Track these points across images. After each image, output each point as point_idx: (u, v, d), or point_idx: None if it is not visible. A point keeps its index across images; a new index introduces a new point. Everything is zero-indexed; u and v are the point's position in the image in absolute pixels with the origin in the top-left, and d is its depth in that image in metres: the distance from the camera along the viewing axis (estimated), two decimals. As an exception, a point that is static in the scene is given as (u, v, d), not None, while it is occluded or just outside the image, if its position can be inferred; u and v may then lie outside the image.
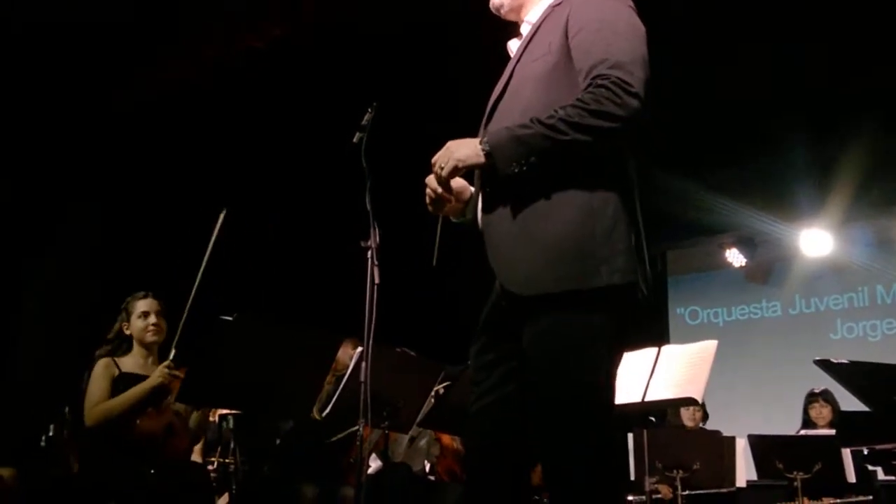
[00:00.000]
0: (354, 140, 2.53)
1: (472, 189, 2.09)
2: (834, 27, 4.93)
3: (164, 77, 5.63)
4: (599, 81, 1.84)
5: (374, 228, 2.58)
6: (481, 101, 2.23)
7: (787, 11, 4.84)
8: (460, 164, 1.90)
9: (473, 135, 2.14)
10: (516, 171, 1.85)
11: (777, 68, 5.33)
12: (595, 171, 1.89)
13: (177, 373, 3.29)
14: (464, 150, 1.90)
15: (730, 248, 7.23)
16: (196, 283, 3.28)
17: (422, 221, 2.29)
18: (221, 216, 3.38)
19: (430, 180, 2.00)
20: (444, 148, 1.93)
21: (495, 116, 2.04)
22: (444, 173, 1.91)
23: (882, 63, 5.16)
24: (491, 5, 2.19)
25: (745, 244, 7.17)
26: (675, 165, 5.59)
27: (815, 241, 6.86)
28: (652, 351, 3.53)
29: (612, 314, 1.86)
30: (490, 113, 2.06)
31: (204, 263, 3.31)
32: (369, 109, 2.56)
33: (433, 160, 1.95)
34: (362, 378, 2.56)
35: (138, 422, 3.33)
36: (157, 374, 3.31)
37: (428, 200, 2.06)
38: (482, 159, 1.88)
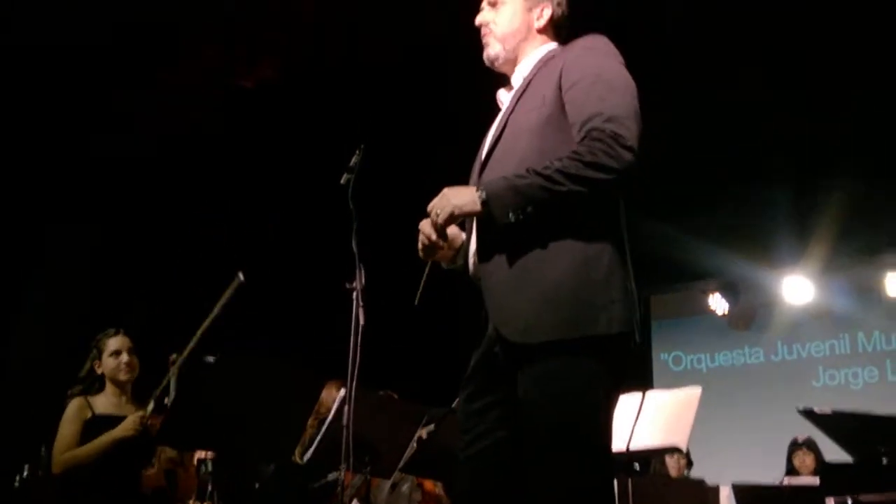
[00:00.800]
0: (342, 181, 2.54)
1: (464, 236, 2.10)
2: (815, 76, 5.04)
3: (157, 115, 5.65)
4: (595, 134, 1.88)
5: (360, 270, 2.57)
6: (468, 144, 2.26)
7: (768, 61, 4.94)
8: (457, 212, 1.91)
9: (463, 178, 2.17)
10: (513, 220, 1.87)
11: (759, 117, 5.42)
12: (590, 220, 1.93)
13: (149, 423, 3.25)
14: (461, 197, 1.92)
15: (713, 293, 7.27)
16: (195, 340, 3.23)
17: (408, 263, 2.29)
18: (236, 281, 3.29)
19: (425, 226, 2.01)
20: (441, 195, 1.95)
21: (489, 166, 2.06)
22: (440, 220, 1.92)
23: (862, 112, 5.26)
24: (485, 58, 2.22)
25: (729, 290, 7.21)
26: (660, 211, 5.63)
27: (797, 287, 6.91)
28: (636, 396, 3.52)
29: (610, 362, 1.88)
30: (484, 162, 2.08)
31: (207, 323, 3.25)
32: (357, 151, 2.57)
33: (429, 207, 1.95)
34: (345, 421, 2.53)
35: (144, 475, 3.29)
36: (129, 426, 3.26)
37: (420, 246, 2.06)
38: (479, 207, 1.90)
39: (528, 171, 1.89)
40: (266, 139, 5.79)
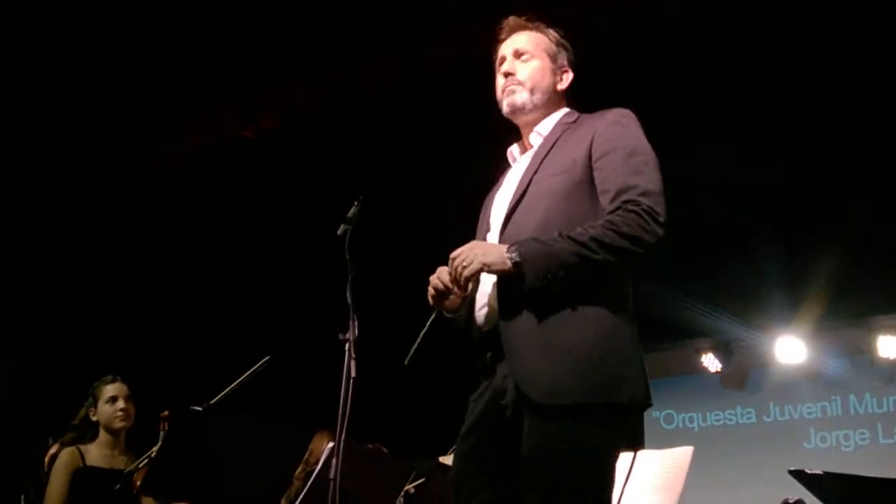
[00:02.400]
0: (339, 232, 2.55)
1: (472, 286, 2.10)
2: (808, 138, 5.12)
3: (147, 160, 5.69)
4: (631, 207, 1.91)
5: (354, 321, 2.57)
6: (467, 198, 2.28)
7: (761, 124, 5.03)
8: (486, 269, 1.93)
9: (464, 231, 2.18)
10: (543, 282, 1.88)
11: (751, 180, 5.48)
12: (613, 289, 1.97)
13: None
14: (491, 255, 1.92)
15: (706, 353, 7.26)
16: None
17: (402, 316, 2.29)
18: (262, 362, 3.28)
19: (442, 274, 2.01)
20: (469, 247, 1.96)
21: (511, 225, 2.06)
22: (467, 272, 1.92)
23: (853, 175, 5.33)
24: (510, 104, 2.19)
25: (722, 350, 7.21)
26: (654, 270, 5.66)
27: (790, 348, 6.92)
28: (627, 456, 3.49)
29: (625, 430, 1.92)
30: (505, 220, 2.08)
31: (223, 394, 3.24)
32: (355, 203, 2.59)
33: (453, 255, 1.96)
34: (332, 475, 2.50)
35: None
36: None
37: (432, 292, 2.06)
38: (509, 266, 1.90)
39: (560, 235, 1.90)
40: (262, 189, 5.82)
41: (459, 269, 1.93)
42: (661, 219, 1.91)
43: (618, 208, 1.93)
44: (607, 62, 4.31)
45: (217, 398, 3.21)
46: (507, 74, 2.20)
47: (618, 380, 1.89)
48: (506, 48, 2.25)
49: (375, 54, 4.85)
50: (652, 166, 2.00)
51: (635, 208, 1.91)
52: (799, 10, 4.33)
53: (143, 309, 5.97)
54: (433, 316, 2.14)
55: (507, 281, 1.95)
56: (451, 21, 4.38)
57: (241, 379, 3.24)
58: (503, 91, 2.21)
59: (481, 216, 2.27)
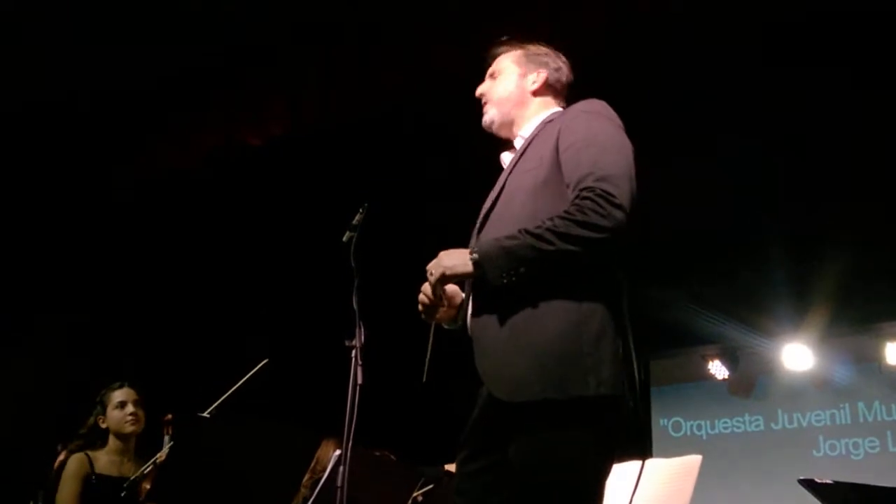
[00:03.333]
0: (344, 239, 2.56)
1: (463, 295, 2.11)
2: (816, 144, 5.11)
3: (156, 165, 5.70)
4: (585, 193, 1.90)
5: (360, 328, 2.57)
6: (473, 203, 2.28)
7: (770, 130, 5.02)
8: (448, 273, 1.94)
9: (466, 236, 2.19)
10: (505, 280, 1.88)
11: (758, 185, 5.47)
12: (582, 280, 1.92)
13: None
14: (453, 259, 1.95)
15: (713, 360, 7.23)
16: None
17: (409, 322, 2.29)
18: (261, 364, 3.32)
19: (426, 289, 2.05)
20: (437, 257, 1.98)
21: (486, 225, 2.10)
22: (432, 280, 1.96)
23: (861, 180, 5.32)
24: (483, 124, 2.31)
25: (728, 357, 7.18)
26: (661, 277, 5.65)
27: (797, 355, 6.88)
28: (636, 464, 3.47)
29: (600, 426, 1.86)
30: (482, 223, 2.12)
31: (222, 399, 3.24)
32: (360, 210, 2.59)
33: (427, 268, 1.99)
34: (339, 483, 2.50)
35: None
36: None
37: (420, 308, 2.10)
38: (471, 268, 1.92)
39: (519, 231, 1.91)
40: (268, 196, 5.83)
41: (429, 276, 1.97)
42: (618, 201, 1.87)
43: (575, 198, 1.92)
44: (618, 66, 4.32)
45: (216, 403, 3.20)
46: (479, 98, 2.32)
47: (580, 373, 1.84)
48: (487, 74, 2.35)
49: (385, 61, 4.85)
50: (612, 150, 1.98)
51: (589, 194, 1.89)
52: (807, 11, 4.32)
53: (150, 314, 5.98)
54: (432, 329, 2.15)
55: (478, 284, 1.97)
56: (462, 28, 4.38)
57: (239, 382, 3.24)
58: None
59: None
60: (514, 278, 1.87)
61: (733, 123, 4.97)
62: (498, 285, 1.88)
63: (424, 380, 2.14)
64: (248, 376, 3.25)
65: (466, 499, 1.97)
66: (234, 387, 3.23)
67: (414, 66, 4.77)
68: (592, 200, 1.87)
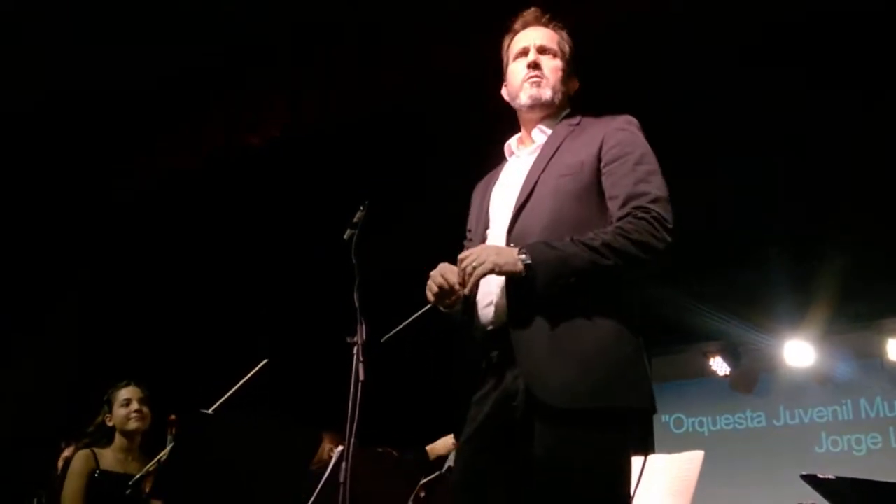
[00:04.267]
0: (345, 237, 2.56)
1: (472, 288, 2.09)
2: (816, 142, 5.11)
3: (156, 168, 5.70)
4: (641, 214, 1.93)
5: (361, 325, 2.56)
6: (466, 197, 2.28)
7: (770, 130, 5.02)
8: (497, 270, 1.92)
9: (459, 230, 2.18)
10: (556, 289, 1.89)
11: (761, 184, 5.47)
12: (622, 293, 1.97)
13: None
14: (503, 257, 1.92)
15: (714, 356, 7.24)
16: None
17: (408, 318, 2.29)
18: (261, 364, 3.32)
19: (447, 273, 2.02)
20: (481, 248, 1.96)
21: (517, 226, 2.05)
22: (478, 272, 1.91)
23: (862, 178, 5.32)
24: (534, 96, 2.19)
25: (730, 353, 7.19)
26: (662, 273, 5.66)
27: (799, 352, 6.89)
28: (637, 461, 3.47)
29: (634, 434, 1.92)
30: (513, 221, 2.07)
31: (223, 399, 3.24)
32: (361, 207, 2.59)
33: (462, 256, 1.96)
34: (342, 479, 2.50)
35: None
36: None
37: (435, 290, 2.06)
38: (520, 268, 1.90)
39: (573, 241, 1.92)
40: (269, 195, 5.83)
41: (470, 269, 1.92)
42: (670, 226, 1.94)
43: (627, 214, 1.95)
44: (618, 66, 4.31)
45: (218, 403, 3.21)
46: (534, 66, 2.21)
47: (626, 385, 1.90)
48: (527, 40, 2.25)
49: (385, 61, 4.85)
50: (659, 174, 2.03)
51: (645, 215, 1.93)
52: (805, 15, 4.32)
53: (154, 314, 5.99)
54: (427, 307, 2.14)
55: (516, 282, 1.94)
56: (462, 28, 4.38)
57: (240, 383, 3.25)
58: (527, 81, 2.20)
59: (476, 207, 2.27)
60: (561, 285, 1.89)
61: (733, 122, 4.96)
62: (546, 291, 1.89)
63: (382, 340, 2.13)
64: (247, 377, 3.26)
65: (471, 493, 1.96)
66: (234, 388, 3.24)
67: (414, 66, 4.77)
68: (648, 222, 1.92)
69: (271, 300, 6.45)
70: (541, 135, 2.20)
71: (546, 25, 2.28)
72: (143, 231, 5.94)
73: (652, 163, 2.04)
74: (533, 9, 2.30)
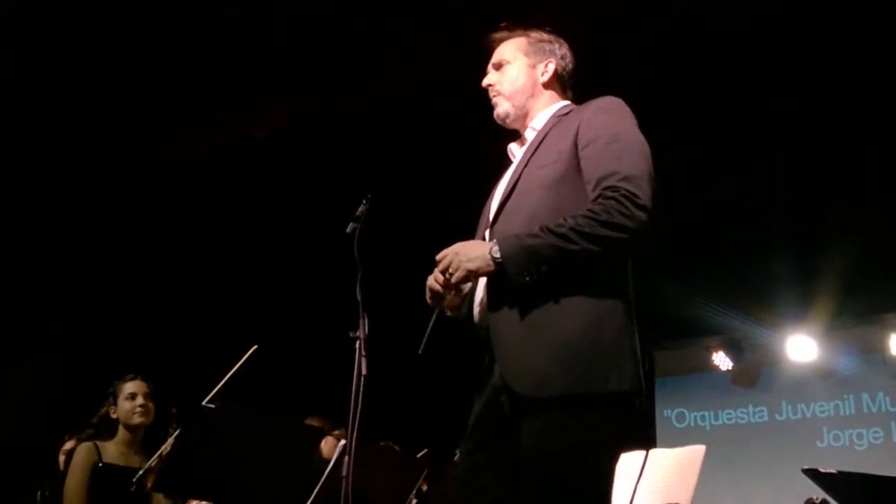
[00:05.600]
0: (348, 230, 2.55)
1: (469, 283, 2.11)
2: (819, 137, 5.10)
3: (157, 167, 5.71)
4: (609, 193, 1.90)
5: (364, 319, 2.56)
6: (474, 196, 2.28)
7: (773, 125, 5.01)
8: (471, 276, 1.94)
9: (470, 227, 2.18)
10: (527, 279, 1.88)
11: (764, 179, 5.47)
12: (601, 277, 1.94)
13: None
14: (475, 259, 1.92)
15: (717, 351, 7.24)
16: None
17: (412, 313, 2.29)
18: (251, 351, 3.31)
19: (435, 280, 2.02)
20: (454, 251, 1.96)
21: (500, 220, 2.07)
22: (454, 280, 1.94)
23: (865, 173, 5.31)
24: (496, 117, 2.27)
25: (732, 348, 7.19)
26: (665, 267, 5.65)
27: (801, 347, 6.88)
28: (639, 455, 3.48)
29: (617, 420, 1.88)
30: (495, 216, 2.09)
31: (217, 388, 3.24)
32: (364, 201, 2.59)
33: (438, 258, 1.97)
34: (344, 472, 2.50)
35: None
36: None
37: (429, 295, 2.07)
38: (493, 267, 1.91)
39: (541, 229, 1.90)
40: (270, 194, 5.83)
41: (447, 275, 1.95)
42: (642, 202, 1.88)
43: (598, 196, 1.92)
44: (618, 66, 4.31)
45: (213, 392, 3.21)
46: (487, 88, 2.28)
47: (603, 369, 1.86)
48: (491, 63, 2.31)
49: (385, 61, 4.85)
50: (635, 151, 1.98)
51: (614, 194, 1.89)
52: (804, 15, 4.31)
53: (156, 308, 6.00)
54: (435, 314, 2.14)
55: (492, 279, 1.95)
56: (462, 28, 4.37)
57: (232, 370, 3.25)
58: (493, 104, 2.27)
59: (483, 213, 2.28)
60: (535, 277, 1.88)
61: (736, 117, 4.96)
62: (519, 283, 1.88)
63: (420, 352, 2.13)
64: (238, 364, 3.26)
65: (472, 491, 1.97)
66: (227, 376, 3.24)
67: (414, 66, 4.76)
68: (617, 200, 1.88)
69: (272, 295, 6.45)
70: (532, 132, 2.22)
71: (505, 38, 2.31)
72: (143, 229, 5.94)
73: (625, 140, 1.99)
74: (494, 32, 2.33)
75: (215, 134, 5.38)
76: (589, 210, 1.89)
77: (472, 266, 1.92)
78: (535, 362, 1.87)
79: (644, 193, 1.90)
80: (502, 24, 2.32)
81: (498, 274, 1.91)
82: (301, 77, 5.11)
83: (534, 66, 2.25)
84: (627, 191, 1.89)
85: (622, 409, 1.89)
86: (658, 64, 4.65)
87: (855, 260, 5.84)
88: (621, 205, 1.87)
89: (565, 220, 1.89)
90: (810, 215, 5.77)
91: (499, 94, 2.25)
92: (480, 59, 2.38)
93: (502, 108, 2.24)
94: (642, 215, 1.87)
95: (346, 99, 5.14)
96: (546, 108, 2.23)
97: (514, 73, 2.24)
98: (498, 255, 1.89)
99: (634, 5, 4.38)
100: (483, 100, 2.36)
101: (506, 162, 2.30)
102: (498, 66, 2.28)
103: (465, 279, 1.94)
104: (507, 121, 2.25)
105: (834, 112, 4.85)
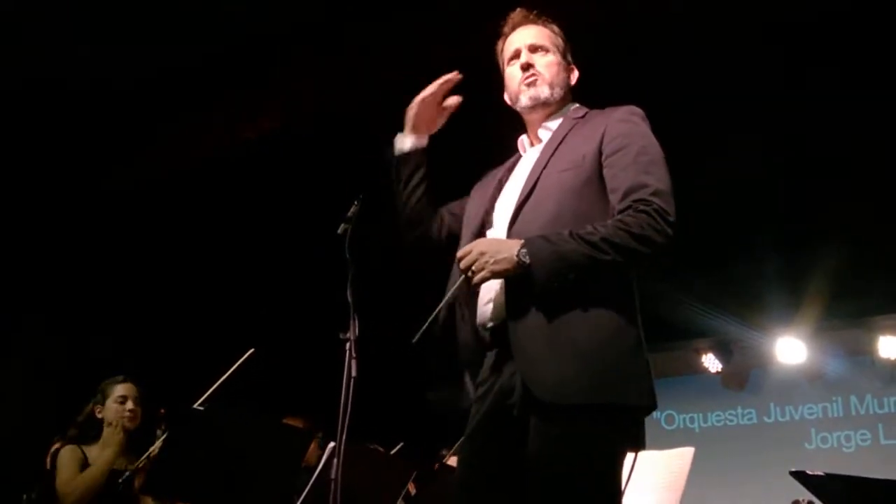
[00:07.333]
0: (339, 231, 2.54)
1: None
2: (809, 138, 5.12)
3: (153, 166, 5.67)
4: (642, 206, 1.89)
5: (354, 320, 2.55)
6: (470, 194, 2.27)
7: (763, 128, 5.03)
8: (495, 277, 1.90)
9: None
10: (555, 285, 1.86)
11: (752, 180, 5.48)
12: (622, 288, 1.95)
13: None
14: (502, 262, 1.88)
15: (706, 353, 7.26)
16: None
17: (402, 314, 2.29)
18: (247, 354, 3.28)
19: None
20: (479, 251, 1.92)
21: (518, 222, 2.02)
22: (475, 280, 1.90)
23: (854, 175, 5.33)
24: (532, 97, 2.18)
25: (721, 350, 7.21)
26: (654, 270, 5.67)
27: (790, 349, 6.91)
28: (628, 457, 3.47)
29: (629, 432, 1.90)
30: (514, 216, 2.04)
31: (211, 390, 3.22)
32: (356, 202, 2.57)
33: (460, 255, 1.94)
34: (333, 475, 2.49)
35: None
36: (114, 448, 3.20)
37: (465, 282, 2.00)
38: (519, 270, 1.87)
39: (572, 235, 1.87)
40: (266, 194, 5.81)
41: (469, 274, 1.91)
42: (671, 219, 1.89)
43: (628, 207, 1.90)
44: (610, 59, 4.30)
45: (205, 395, 3.19)
46: (527, 66, 2.20)
47: (625, 381, 1.87)
48: (517, 41, 2.24)
49: (385, 61, 4.84)
50: (661, 165, 1.98)
51: (646, 208, 1.88)
52: (805, 12, 4.32)
53: (148, 308, 5.96)
54: (437, 310, 2.09)
55: (515, 279, 1.91)
56: (462, 28, 4.37)
57: (227, 373, 3.23)
58: (524, 83, 2.19)
59: (474, 202, 2.25)
60: (561, 281, 1.86)
61: (726, 116, 4.97)
62: (545, 288, 1.86)
63: (413, 341, 2.10)
64: (234, 367, 3.24)
65: (473, 494, 1.95)
66: (222, 378, 3.22)
67: (414, 66, 4.75)
68: (649, 215, 1.88)
69: (266, 297, 6.43)
70: (546, 132, 2.19)
71: (535, 23, 2.26)
72: (139, 227, 5.91)
73: (653, 154, 1.99)
74: (519, 9, 2.28)
75: (213, 133, 5.36)
76: (620, 221, 1.88)
77: (498, 268, 1.88)
78: (559, 370, 1.85)
79: (672, 210, 1.90)
80: (531, 12, 2.27)
81: (522, 276, 1.87)
82: (298, 77, 5.09)
83: (567, 69, 2.25)
84: (659, 206, 1.89)
85: (636, 421, 1.92)
86: (654, 64, 4.65)
87: (844, 262, 5.86)
88: (653, 219, 1.87)
89: (595, 228, 1.87)
90: (799, 218, 5.79)
91: (540, 76, 2.19)
92: (480, 59, 2.37)
93: (543, 92, 2.17)
94: (671, 232, 1.88)
95: (344, 99, 5.12)
96: (561, 110, 2.22)
97: (556, 65, 2.21)
98: (527, 258, 1.86)
99: (630, 6, 4.38)
100: (483, 100, 2.33)
101: (504, 158, 2.27)
102: (534, 50, 2.21)
103: (486, 280, 1.90)
104: (544, 105, 2.19)
105: (824, 114, 4.87)
